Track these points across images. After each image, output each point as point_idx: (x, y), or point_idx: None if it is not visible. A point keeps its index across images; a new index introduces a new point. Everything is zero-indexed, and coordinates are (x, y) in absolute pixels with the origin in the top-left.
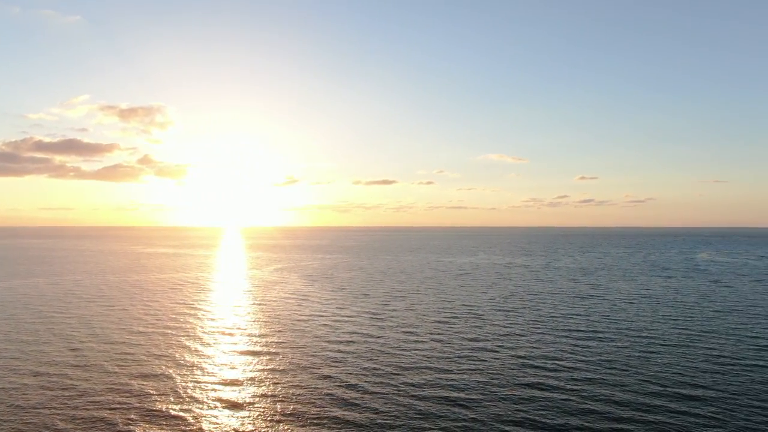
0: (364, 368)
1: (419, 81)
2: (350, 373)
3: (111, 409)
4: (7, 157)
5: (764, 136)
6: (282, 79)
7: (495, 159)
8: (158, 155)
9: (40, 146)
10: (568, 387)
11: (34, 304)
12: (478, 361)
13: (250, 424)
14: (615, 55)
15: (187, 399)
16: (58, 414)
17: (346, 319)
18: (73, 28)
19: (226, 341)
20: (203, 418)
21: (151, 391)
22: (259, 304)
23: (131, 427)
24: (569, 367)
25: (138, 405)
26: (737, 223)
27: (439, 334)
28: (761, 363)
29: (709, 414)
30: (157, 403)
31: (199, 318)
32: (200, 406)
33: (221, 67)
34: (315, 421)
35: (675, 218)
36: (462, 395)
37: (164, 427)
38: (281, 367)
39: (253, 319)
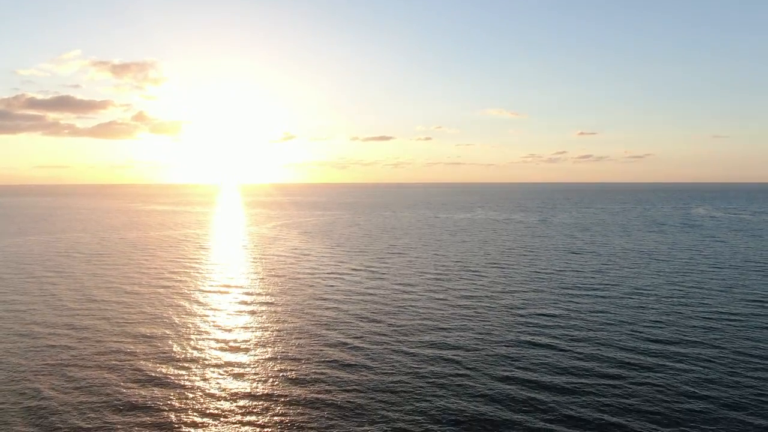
0: (361, 324)
1: (419, 34)
2: (347, 329)
3: (109, 367)
4: (0, 114)
5: (764, 91)
6: (278, 33)
7: (494, 114)
8: (153, 112)
9: (33, 103)
10: (562, 341)
11: (33, 262)
12: (473, 316)
13: (246, 379)
14: (615, 9)
15: (185, 355)
16: (56, 372)
17: (343, 275)
18: None
19: (224, 298)
20: (201, 374)
21: (148, 349)
22: (258, 261)
23: (129, 384)
24: (563, 322)
25: (135, 362)
26: (736, 179)
27: (435, 289)
28: (752, 316)
29: (700, 367)
30: (155, 360)
31: (197, 275)
32: (198, 362)
33: (216, 21)
34: (310, 375)
35: (674, 174)
36: (456, 350)
37: (162, 384)
38: (278, 323)
39: (251, 276)
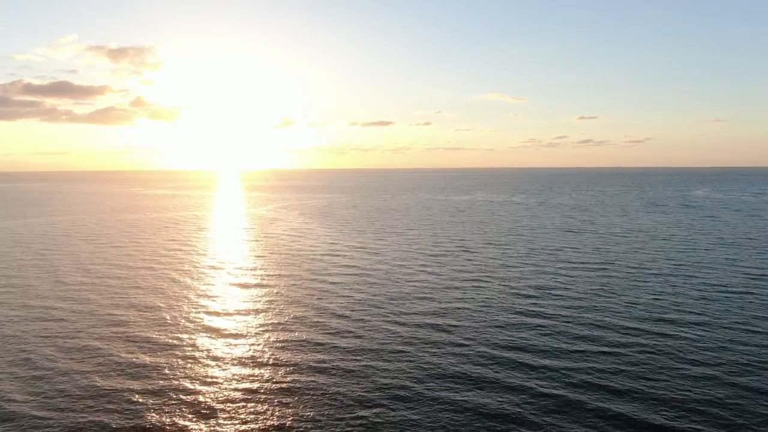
0: (357, 300)
1: (417, 18)
2: (344, 307)
3: (102, 338)
4: None
5: (765, 74)
6: (276, 16)
7: (493, 98)
8: (151, 97)
9: (30, 89)
10: (560, 320)
11: (32, 242)
12: (469, 291)
13: (240, 350)
14: None
15: (180, 328)
16: (51, 343)
17: (341, 254)
18: None
19: (222, 275)
20: (195, 346)
21: (142, 322)
22: (256, 241)
23: (122, 354)
24: (561, 301)
25: (129, 333)
26: (737, 163)
27: (433, 268)
28: (749, 292)
29: (699, 345)
30: (148, 333)
31: (196, 254)
32: (192, 334)
33: (213, 5)
34: (307, 356)
35: (674, 158)
36: (455, 328)
37: (154, 354)
38: (275, 298)
39: (249, 255)
